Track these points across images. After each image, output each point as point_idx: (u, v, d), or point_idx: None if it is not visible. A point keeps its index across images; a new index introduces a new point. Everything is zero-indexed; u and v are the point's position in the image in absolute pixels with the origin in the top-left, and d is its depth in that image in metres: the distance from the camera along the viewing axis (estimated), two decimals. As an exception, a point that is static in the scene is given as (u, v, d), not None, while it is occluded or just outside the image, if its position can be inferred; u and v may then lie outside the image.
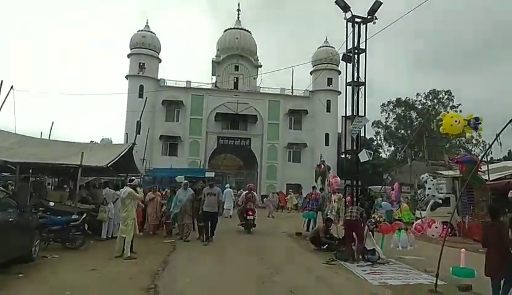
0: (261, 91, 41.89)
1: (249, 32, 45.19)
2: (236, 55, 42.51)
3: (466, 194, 14.13)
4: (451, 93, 52.05)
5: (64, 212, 9.86)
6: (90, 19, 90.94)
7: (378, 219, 9.20)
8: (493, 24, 76.89)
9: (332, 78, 41.35)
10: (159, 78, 40.80)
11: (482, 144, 48.03)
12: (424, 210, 14.30)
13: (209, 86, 41.76)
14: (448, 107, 51.23)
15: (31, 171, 12.15)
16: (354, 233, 8.78)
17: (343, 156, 11.28)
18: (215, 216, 11.10)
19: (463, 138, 49.38)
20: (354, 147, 10.06)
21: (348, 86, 10.24)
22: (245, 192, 15.54)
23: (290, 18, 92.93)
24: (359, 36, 10.12)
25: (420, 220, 8.60)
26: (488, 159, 16.95)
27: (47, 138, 13.72)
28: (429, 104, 52.80)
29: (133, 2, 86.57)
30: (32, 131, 25.83)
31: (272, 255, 9.48)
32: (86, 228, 9.65)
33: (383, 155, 53.57)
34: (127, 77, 40.33)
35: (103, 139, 32.27)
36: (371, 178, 28.82)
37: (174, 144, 39.89)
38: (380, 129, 54.86)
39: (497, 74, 77.41)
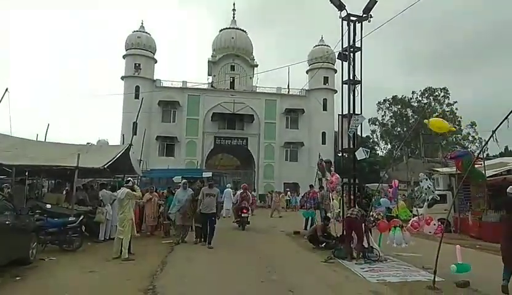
0: (257, 90, 41.89)
1: (245, 31, 45.15)
2: (232, 54, 42.48)
3: (462, 191, 14.20)
4: (447, 90, 52.31)
5: (61, 214, 9.82)
6: (85, 20, 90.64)
7: (377, 216, 9.23)
8: (489, 22, 77.29)
9: (328, 77, 41.39)
10: (155, 78, 40.68)
11: (478, 141, 48.29)
12: (421, 207, 14.43)
13: (205, 87, 41.74)
14: (444, 105, 51.52)
15: (27, 173, 12.10)
16: (353, 232, 8.80)
17: (340, 154, 11.23)
18: (214, 218, 10.45)
19: (459, 135, 49.82)
20: (351, 146, 10.08)
21: (344, 85, 10.25)
22: (240, 192, 16.02)
23: (285, 17, 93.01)
24: (355, 34, 10.13)
25: (417, 217, 8.63)
26: (485, 156, 17.04)
27: (43, 140, 13.65)
28: (425, 101, 52.98)
29: (128, 2, 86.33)
30: (28, 134, 25.72)
31: (271, 254, 9.49)
32: (83, 230, 9.63)
33: (380, 153, 53.75)
34: (122, 77, 40.20)
35: (99, 140, 32.10)
36: (368, 176, 28.95)
37: (171, 144, 39.82)
38: (377, 127, 55.06)
39: (494, 72, 77.92)
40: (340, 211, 11.15)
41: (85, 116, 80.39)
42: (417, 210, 9.23)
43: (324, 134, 40.58)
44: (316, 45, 42.43)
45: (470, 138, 51.30)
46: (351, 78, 10.05)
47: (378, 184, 11.83)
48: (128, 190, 8.71)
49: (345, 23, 10.15)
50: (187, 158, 38.77)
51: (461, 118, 49.60)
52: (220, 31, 45.34)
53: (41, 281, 6.35)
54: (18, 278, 6.31)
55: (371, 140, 53.21)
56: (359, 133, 10.20)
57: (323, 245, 10.19)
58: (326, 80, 41.45)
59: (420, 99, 53.48)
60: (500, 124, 5.84)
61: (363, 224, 8.80)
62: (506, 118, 5.76)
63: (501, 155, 29.27)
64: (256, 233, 13.74)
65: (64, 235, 8.87)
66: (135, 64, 39.69)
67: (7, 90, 12.35)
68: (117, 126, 38.99)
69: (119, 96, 38.65)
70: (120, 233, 8.39)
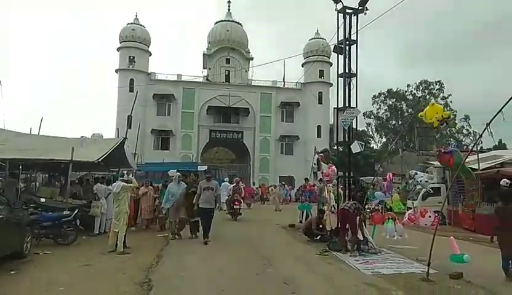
0: (252, 83, 41.82)
1: (240, 24, 44.91)
2: (227, 47, 42.29)
3: (456, 183, 14.29)
4: (442, 83, 52.50)
5: (55, 208, 9.79)
6: (78, 13, 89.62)
7: (375, 207, 9.24)
8: (485, 15, 77.36)
9: (323, 70, 41.38)
10: (149, 72, 40.46)
11: (472, 134, 48.63)
12: (416, 200, 14.55)
13: (200, 80, 41.59)
14: (439, 98, 51.71)
15: (21, 167, 12.02)
16: (347, 224, 8.83)
17: (335, 147, 11.24)
18: (212, 213, 10.09)
19: (453, 128, 50.10)
20: (346, 139, 10.09)
21: (339, 78, 10.23)
22: (232, 185, 17.27)
23: (281, 10, 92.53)
24: (350, 27, 10.08)
25: (412, 210, 8.69)
26: (479, 149, 17.15)
27: (37, 134, 13.54)
28: (420, 94, 53.18)
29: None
30: (22, 127, 25.50)
31: (266, 247, 9.52)
32: (78, 224, 9.59)
33: (375, 146, 53.99)
34: (116, 71, 39.93)
35: (93, 134, 31.99)
36: (363, 169, 29.04)
37: (166, 138, 39.72)
38: (372, 121, 55.24)
39: (488, 65, 78.18)
40: (335, 204, 11.20)
41: (79, 110, 79.93)
42: (412, 203, 9.29)
43: (319, 127, 40.66)
44: (312, 38, 42.36)
45: (464, 131, 51.65)
46: (347, 71, 10.03)
47: (373, 177, 11.89)
48: (123, 183, 8.68)
49: (341, 15, 10.08)
50: (182, 152, 38.70)
51: (456, 111, 49.89)
52: (215, 23, 45.08)
53: (36, 275, 6.33)
54: (12, 272, 6.30)
55: (367, 133, 53.40)
56: (354, 126, 10.21)
57: (318, 238, 10.24)
58: (321, 73, 41.43)
59: (415, 92, 53.69)
60: (494, 117, 5.88)
61: (357, 217, 8.83)
62: (500, 111, 5.79)
63: (495, 148, 29.45)
64: (252, 226, 13.79)
65: (59, 228, 8.84)
66: (129, 57, 39.41)
67: (-1, 82, 12.24)
68: (112, 120, 38.88)
69: (114, 89, 38.51)
70: (115, 226, 8.36)
